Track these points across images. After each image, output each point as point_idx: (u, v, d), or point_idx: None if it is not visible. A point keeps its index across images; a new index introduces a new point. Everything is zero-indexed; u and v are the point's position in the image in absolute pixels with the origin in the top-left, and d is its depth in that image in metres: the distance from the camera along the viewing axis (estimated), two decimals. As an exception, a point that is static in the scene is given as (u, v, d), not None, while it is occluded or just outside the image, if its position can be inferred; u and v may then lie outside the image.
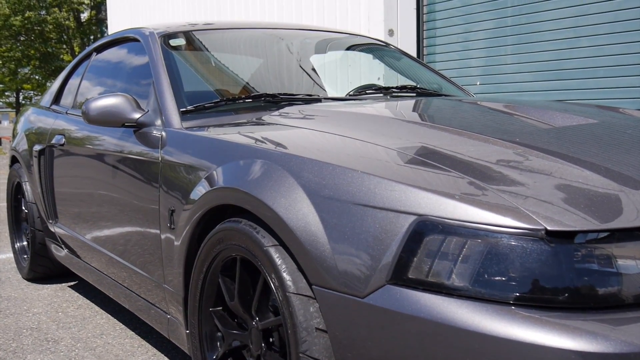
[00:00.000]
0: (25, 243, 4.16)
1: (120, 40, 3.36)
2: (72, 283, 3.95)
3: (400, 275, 1.47)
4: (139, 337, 2.97)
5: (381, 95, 2.85)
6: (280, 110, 2.41)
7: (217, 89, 2.89)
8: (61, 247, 3.53)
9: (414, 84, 3.36)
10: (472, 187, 1.48)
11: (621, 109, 2.53)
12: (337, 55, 4.34)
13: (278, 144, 1.95)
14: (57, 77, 4.17)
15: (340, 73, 5.49)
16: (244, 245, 1.84)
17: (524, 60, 5.55)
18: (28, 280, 4.04)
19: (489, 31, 5.83)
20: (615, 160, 1.67)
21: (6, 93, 34.85)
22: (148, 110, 2.57)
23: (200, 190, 2.06)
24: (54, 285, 3.93)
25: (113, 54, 3.47)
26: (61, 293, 3.77)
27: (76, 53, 28.65)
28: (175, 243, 2.20)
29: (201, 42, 3.11)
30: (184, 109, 2.50)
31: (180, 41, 2.95)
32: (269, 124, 2.29)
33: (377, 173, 1.59)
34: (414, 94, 3.00)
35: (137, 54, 3.04)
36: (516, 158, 1.64)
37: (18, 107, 34.22)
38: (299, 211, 1.67)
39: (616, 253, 1.39)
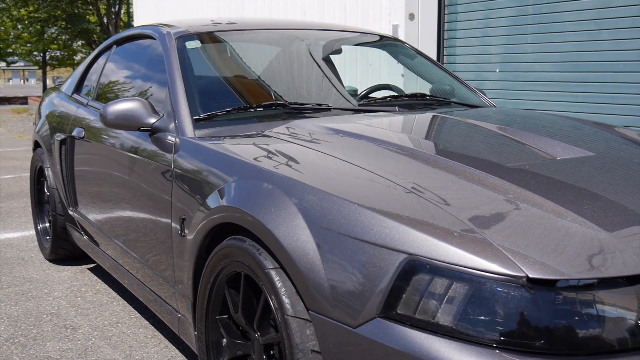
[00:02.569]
0: (47, 224, 4.30)
1: (139, 36, 3.43)
2: (91, 265, 4.10)
3: (390, 310, 1.56)
4: (152, 328, 3.11)
5: (390, 107, 2.88)
6: (290, 127, 2.47)
7: (231, 95, 2.95)
8: (80, 234, 3.67)
9: (427, 87, 3.41)
10: (462, 229, 1.55)
11: (627, 132, 2.56)
12: (354, 54, 4.36)
13: (284, 166, 2.03)
14: (79, 65, 4.26)
15: (359, 71, 5.54)
16: (247, 263, 1.94)
17: (543, 50, 5.52)
18: (50, 261, 4.20)
19: (510, 19, 5.79)
20: (607, 203, 1.73)
21: (34, 53, 35.14)
22: (163, 115, 2.65)
23: (208, 204, 2.15)
24: (74, 267, 4.09)
25: (132, 49, 3.55)
26: (80, 276, 3.92)
27: (102, 15, 28.73)
28: (186, 251, 2.31)
29: (219, 44, 3.17)
30: (197, 117, 2.57)
31: (197, 43, 3.01)
32: (277, 139, 2.35)
33: (374, 207, 1.67)
34: (423, 103, 3.05)
35: (155, 51, 3.11)
36: (508, 202, 1.69)
37: (45, 67, 34.57)
38: (299, 239, 1.75)
39: (597, 300, 1.46)
